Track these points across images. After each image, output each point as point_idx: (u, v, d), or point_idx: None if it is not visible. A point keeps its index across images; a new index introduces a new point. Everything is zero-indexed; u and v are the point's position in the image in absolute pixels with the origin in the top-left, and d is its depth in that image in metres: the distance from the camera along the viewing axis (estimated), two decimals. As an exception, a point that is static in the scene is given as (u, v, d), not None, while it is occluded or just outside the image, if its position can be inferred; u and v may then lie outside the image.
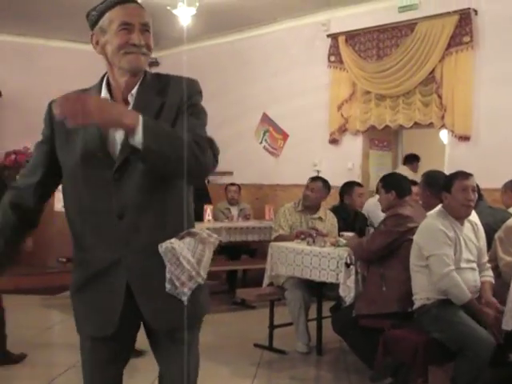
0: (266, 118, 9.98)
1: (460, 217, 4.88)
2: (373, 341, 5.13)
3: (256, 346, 6.50)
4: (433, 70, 8.70)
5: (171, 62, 11.85)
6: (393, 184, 5.67)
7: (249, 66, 11.05)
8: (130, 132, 2.29)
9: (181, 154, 2.31)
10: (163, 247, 2.51)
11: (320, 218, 7.07)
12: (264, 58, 10.89)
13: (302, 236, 6.52)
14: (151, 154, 2.30)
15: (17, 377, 5.64)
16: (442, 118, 8.62)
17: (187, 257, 2.53)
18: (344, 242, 6.10)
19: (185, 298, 2.55)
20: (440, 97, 8.63)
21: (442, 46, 8.58)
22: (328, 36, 10.02)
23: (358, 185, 7.71)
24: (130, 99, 2.56)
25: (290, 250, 6.21)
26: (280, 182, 10.73)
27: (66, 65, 12.00)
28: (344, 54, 9.78)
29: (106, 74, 2.66)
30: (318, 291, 6.31)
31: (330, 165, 9.79)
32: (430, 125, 8.88)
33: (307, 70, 10.26)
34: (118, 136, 2.50)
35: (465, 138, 8.45)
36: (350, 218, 7.40)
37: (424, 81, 8.80)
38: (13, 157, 11.05)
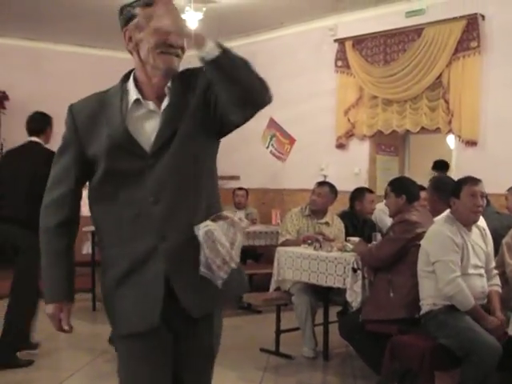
0: (272, 123, 9.98)
1: (468, 223, 4.87)
2: (379, 346, 5.12)
3: (262, 350, 6.49)
4: (440, 75, 8.70)
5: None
6: (403, 188, 5.66)
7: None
8: (200, 42, 2.31)
9: (252, 70, 2.38)
10: (200, 229, 2.52)
11: (327, 223, 7.06)
12: (271, 63, 10.88)
13: (309, 241, 6.51)
14: (226, 62, 2.34)
15: (24, 381, 5.63)
16: (449, 123, 8.61)
17: (221, 240, 2.53)
18: (351, 247, 6.10)
19: (220, 282, 2.55)
20: (447, 102, 8.62)
21: (449, 51, 8.58)
22: (335, 41, 10.03)
23: (369, 191, 7.65)
24: (167, 91, 2.58)
25: (297, 255, 6.21)
26: (287, 186, 10.74)
27: (74, 69, 12.04)
28: (351, 58, 9.79)
29: (130, 72, 2.67)
30: (324, 296, 6.30)
31: (336, 169, 9.79)
32: (437, 130, 8.87)
33: (314, 74, 10.27)
34: (148, 124, 2.54)
35: (472, 143, 8.44)
36: (359, 224, 7.38)
37: (431, 86, 8.79)
38: (20, 161, 11.06)
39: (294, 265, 6.22)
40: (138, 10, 2.56)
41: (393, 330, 5.09)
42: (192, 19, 9.07)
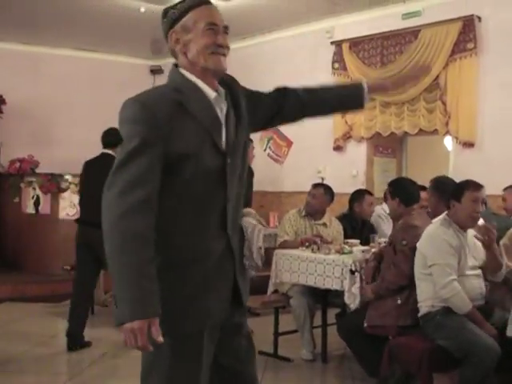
0: (270, 126, 9.96)
1: (465, 227, 4.87)
2: (376, 348, 5.12)
3: (261, 353, 6.48)
4: (437, 77, 8.71)
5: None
6: (398, 190, 5.57)
7: (253, 73, 11.02)
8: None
9: None
10: (245, 226, 2.69)
11: (324, 224, 7.05)
12: (268, 65, 10.90)
13: (307, 243, 6.51)
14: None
15: (22, 385, 5.64)
16: (447, 124, 8.62)
17: (254, 235, 2.69)
18: (349, 249, 6.10)
19: (253, 273, 2.74)
20: (444, 103, 8.63)
21: (445, 53, 8.59)
22: (332, 43, 10.04)
23: (369, 193, 7.63)
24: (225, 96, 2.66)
25: (295, 258, 6.21)
26: (284, 189, 10.74)
27: (72, 73, 12.06)
28: (348, 60, 9.80)
29: (175, 70, 2.67)
30: (322, 298, 6.30)
31: (334, 172, 9.80)
32: (435, 131, 8.88)
33: (311, 76, 10.24)
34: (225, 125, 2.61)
35: (469, 145, 8.45)
36: (358, 226, 7.37)
37: (428, 87, 8.80)
38: (17, 165, 11.06)
39: (292, 267, 6.22)
40: (183, 12, 2.60)
41: (391, 332, 5.09)
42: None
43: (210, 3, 2.63)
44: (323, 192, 7.08)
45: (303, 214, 7.08)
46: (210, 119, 2.56)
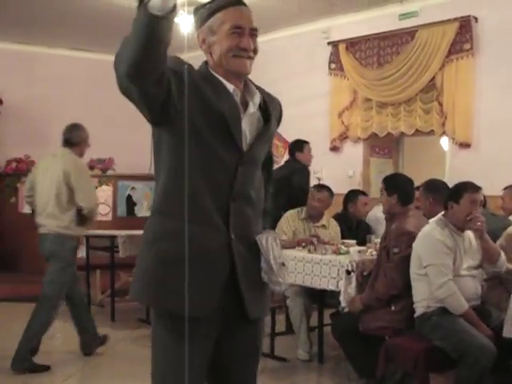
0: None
1: (462, 228, 4.87)
2: (370, 350, 5.12)
3: (257, 353, 6.48)
4: (433, 78, 8.73)
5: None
6: (396, 187, 5.43)
7: (250, 74, 11.06)
8: None
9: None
10: (262, 238, 2.61)
11: (323, 226, 7.03)
12: (265, 66, 10.85)
13: (303, 243, 6.50)
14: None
15: (18, 385, 5.63)
16: (443, 125, 8.64)
17: (274, 251, 2.62)
18: (345, 249, 6.10)
19: (277, 288, 2.66)
20: (441, 104, 8.65)
21: (442, 54, 8.60)
22: (328, 44, 10.05)
23: (363, 193, 7.65)
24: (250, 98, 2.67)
25: (291, 258, 6.20)
26: (281, 189, 10.72)
27: (68, 73, 12.05)
28: (344, 61, 9.81)
29: (203, 65, 2.67)
30: (319, 299, 6.30)
31: (330, 172, 9.79)
32: (431, 132, 8.89)
33: (308, 77, 10.28)
34: (245, 124, 2.60)
35: (465, 146, 8.46)
36: (353, 226, 7.37)
37: (425, 88, 8.82)
38: (14, 165, 11.07)
39: (289, 267, 6.19)
40: (211, 13, 2.60)
41: (387, 332, 5.09)
42: (185, 22, 9.06)
43: (238, 4, 2.61)
44: (328, 195, 7.02)
45: (302, 216, 7.03)
46: (228, 105, 2.55)
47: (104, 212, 9.82)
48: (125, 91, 2.35)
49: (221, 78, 2.60)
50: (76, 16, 10.01)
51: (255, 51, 2.64)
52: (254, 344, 2.78)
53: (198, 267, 2.47)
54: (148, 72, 2.22)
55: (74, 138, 6.29)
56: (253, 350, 2.79)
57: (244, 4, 2.63)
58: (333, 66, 10.01)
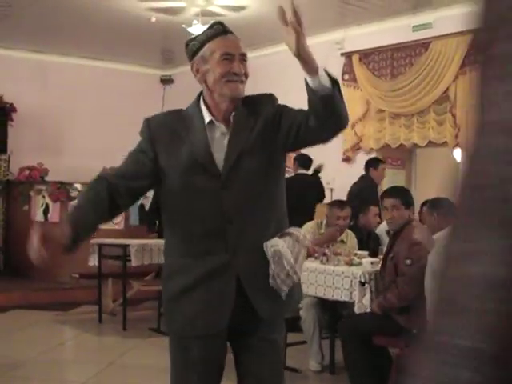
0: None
1: None
2: (369, 359, 5.11)
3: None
4: (447, 89, 8.72)
5: (185, 79, 11.84)
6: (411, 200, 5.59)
7: (262, 85, 10.99)
8: (313, 71, 2.66)
9: (342, 99, 2.67)
10: (268, 247, 2.75)
11: (342, 241, 6.88)
12: (278, 76, 10.92)
13: (316, 254, 6.47)
14: (335, 97, 2.58)
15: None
16: (456, 136, 8.62)
17: (288, 257, 2.75)
18: (358, 260, 6.08)
19: (283, 294, 2.79)
20: (454, 116, 8.64)
21: (456, 65, 8.60)
22: (342, 54, 10.06)
23: (374, 204, 7.62)
24: (232, 119, 2.80)
25: (304, 269, 6.16)
26: (293, 199, 10.71)
27: (80, 81, 12.10)
28: (358, 72, 9.81)
29: (201, 94, 2.87)
30: (331, 310, 6.28)
31: (343, 183, 9.77)
32: (444, 143, 8.88)
33: (321, 88, 10.28)
34: (222, 146, 2.79)
35: (479, 157, 8.43)
36: (363, 237, 7.27)
37: (438, 99, 8.82)
38: (27, 172, 11.11)
39: (301, 278, 6.18)
40: (202, 44, 2.80)
41: (400, 343, 5.08)
42: (200, 32, 9.10)
43: (226, 34, 2.82)
44: (350, 210, 6.90)
45: (322, 230, 6.88)
46: (199, 145, 2.76)
47: (116, 221, 9.83)
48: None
49: (204, 109, 2.81)
50: (89, 25, 10.06)
51: (246, 75, 2.82)
52: (274, 338, 2.90)
53: (202, 293, 2.75)
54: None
55: None
56: (273, 342, 2.91)
57: (231, 32, 2.86)
58: (346, 76, 10.02)
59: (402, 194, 5.69)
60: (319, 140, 2.87)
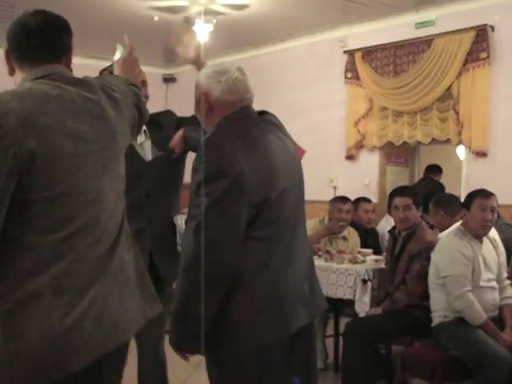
0: (282, 134, 9.97)
1: (477, 235, 4.85)
2: (371, 361, 5.12)
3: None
4: (450, 86, 8.69)
5: (188, 78, 11.84)
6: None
7: (265, 83, 11.06)
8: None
9: None
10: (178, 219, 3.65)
11: (344, 238, 6.88)
12: (281, 75, 10.93)
13: (320, 252, 6.47)
14: None
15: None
16: (459, 134, 8.60)
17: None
18: (361, 258, 6.08)
19: None
20: (457, 113, 8.61)
21: (458, 62, 8.58)
22: (345, 52, 10.04)
23: (365, 200, 7.56)
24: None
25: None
26: (296, 197, 10.70)
27: (85, 81, 12.09)
28: (361, 70, 9.80)
29: None
30: (335, 308, 6.28)
31: (346, 181, 9.79)
32: (447, 141, 8.86)
33: (324, 86, 10.28)
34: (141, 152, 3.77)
35: (482, 154, 8.42)
36: (361, 234, 7.21)
37: (441, 97, 8.79)
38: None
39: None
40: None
41: (404, 342, 5.09)
42: (202, 31, 9.10)
43: None
44: (351, 205, 6.91)
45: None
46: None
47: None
48: None
49: None
50: (92, 25, 10.07)
51: (147, 98, 3.61)
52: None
53: None
54: None
55: None
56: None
57: None
58: (349, 74, 10.00)
59: (413, 194, 5.67)
60: None
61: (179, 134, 3.75)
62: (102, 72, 3.51)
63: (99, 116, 2.36)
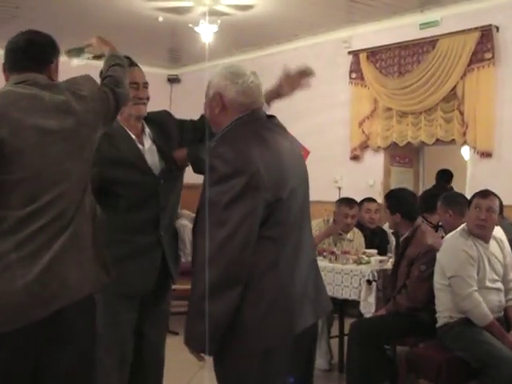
0: (286, 135, 9.96)
1: (476, 235, 4.84)
2: (375, 361, 5.12)
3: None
4: (454, 87, 8.69)
5: (192, 78, 11.93)
6: (399, 205, 5.53)
7: (269, 83, 11.00)
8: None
9: None
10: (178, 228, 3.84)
11: (349, 239, 6.86)
12: (284, 75, 10.90)
13: (324, 253, 6.46)
14: None
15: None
16: (464, 134, 8.59)
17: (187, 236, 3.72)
18: (366, 259, 6.08)
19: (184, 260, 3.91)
20: (462, 113, 8.61)
21: (463, 63, 8.57)
22: (349, 53, 10.04)
23: (369, 200, 7.52)
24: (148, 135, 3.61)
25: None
26: (301, 198, 10.69)
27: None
28: (365, 70, 9.79)
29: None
30: (340, 308, 6.28)
31: (351, 181, 9.78)
32: (452, 141, 8.85)
33: (328, 86, 10.25)
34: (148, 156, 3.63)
35: (487, 155, 8.42)
36: (368, 234, 7.20)
37: (446, 97, 8.78)
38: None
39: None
40: None
41: (408, 342, 5.09)
42: (207, 32, 9.11)
43: (131, 66, 3.47)
44: (358, 208, 6.90)
45: None
46: (132, 152, 3.47)
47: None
48: None
49: (127, 130, 3.51)
50: (96, 26, 10.04)
51: (148, 98, 3.58)
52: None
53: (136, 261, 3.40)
54: None
55: None
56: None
57: (136, 65, 3.56)
58: (353, 75, 10.00)
59: (388, 198, 5.72)
60: None
61: (183, 152, 3.74)
62: (68, 52, 3.87)
63: (65, 112, 2.78)
